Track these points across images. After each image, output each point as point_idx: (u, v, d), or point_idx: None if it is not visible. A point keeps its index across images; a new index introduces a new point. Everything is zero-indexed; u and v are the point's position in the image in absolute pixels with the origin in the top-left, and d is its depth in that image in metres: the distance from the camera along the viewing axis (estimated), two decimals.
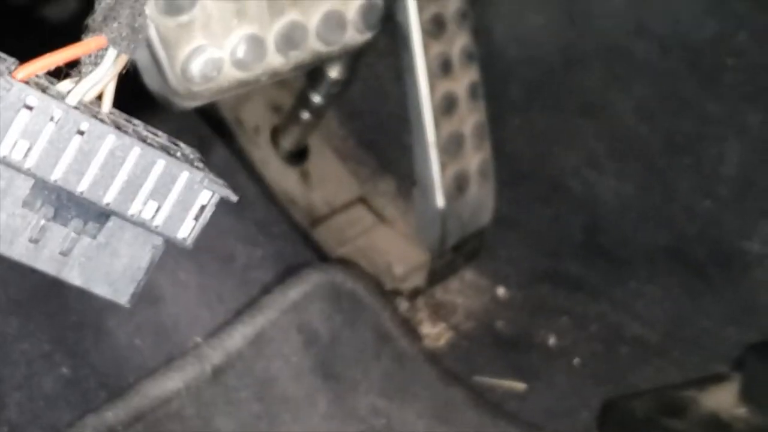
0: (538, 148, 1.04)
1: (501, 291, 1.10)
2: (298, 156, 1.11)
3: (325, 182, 1.14)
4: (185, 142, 1.00)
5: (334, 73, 0.92)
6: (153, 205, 0.39)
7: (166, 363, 0.86)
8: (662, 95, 0.94)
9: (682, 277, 0.99)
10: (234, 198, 0.41)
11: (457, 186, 0.96)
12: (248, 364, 0.90)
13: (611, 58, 0.96)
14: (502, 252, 1.11)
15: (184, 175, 0.40)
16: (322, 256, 1.06)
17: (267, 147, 1.09)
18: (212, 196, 0.41)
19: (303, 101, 0.98)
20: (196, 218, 0.41)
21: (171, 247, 0.99)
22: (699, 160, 0.94)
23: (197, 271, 0.93)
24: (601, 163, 1.00)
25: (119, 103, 0.41)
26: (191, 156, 0.42)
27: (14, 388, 0.79)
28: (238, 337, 0.90)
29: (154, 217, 0.40)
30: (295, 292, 0.95)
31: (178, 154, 0.41)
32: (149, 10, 0.66)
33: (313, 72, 0.94)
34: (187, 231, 0.41)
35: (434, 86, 0.92)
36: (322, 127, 1.14)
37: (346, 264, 1.02)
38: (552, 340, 1.05)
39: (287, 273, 0.98)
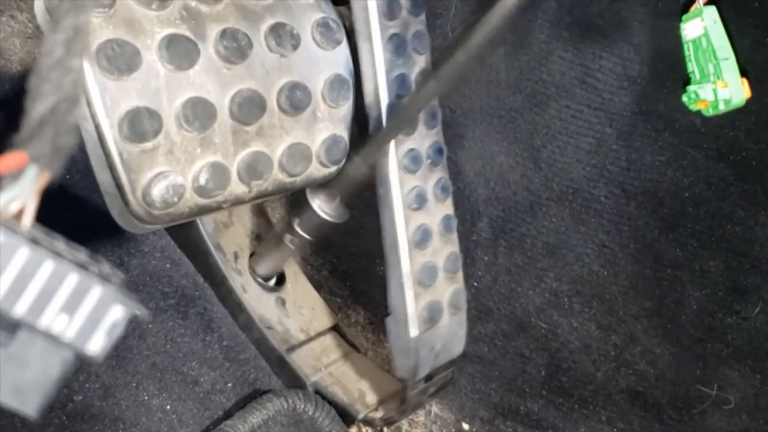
0: (504, 285, 1.04)
1: (465, 426, 1.10)
2: (275, 283, 1.12)
3: (301, 309, 1.14)
4: (156, 264, 1.01)
5: (322, 213, 0.92)
6: (64, 318, 0.40)
7: None
8: (624, 240, 0.95)
9: (642, 420, 0.99)
10: (146, 314, 0.42)
11: (430, 317, 0.95)
12: None
13: (575, 202, 0.97)
14: (467, 386, 1.10)
15: (97, 290, 0.41)
16: (298, 383, 1.06)
17: (246, 273, 1.08)
18: (125, 312, 0.42)
19: (288, 229, 0.97)
20: (108, 333, 0.42)
21: (135, 367, 0.98)
22: (659, 305, 0.95)
23: (160, 394, 0.93)
24: (564, 304, 1.00)
25: None
26: (109, 273, 0.43)
27: None
28: None
29: (65, 330, 0.40)
30: (255, 417, 0.94)
31: (95, 270, 0.42)
32: (113, 134, 0.69)
33: (299, 206, 0.94)
34: (98, 345, 0.41)
35: (409, 219, 0.93)
36: (298, 255, 1.16)
37: (307, 392, 1.01)
38: None
39: (250, 398, 0.98)
